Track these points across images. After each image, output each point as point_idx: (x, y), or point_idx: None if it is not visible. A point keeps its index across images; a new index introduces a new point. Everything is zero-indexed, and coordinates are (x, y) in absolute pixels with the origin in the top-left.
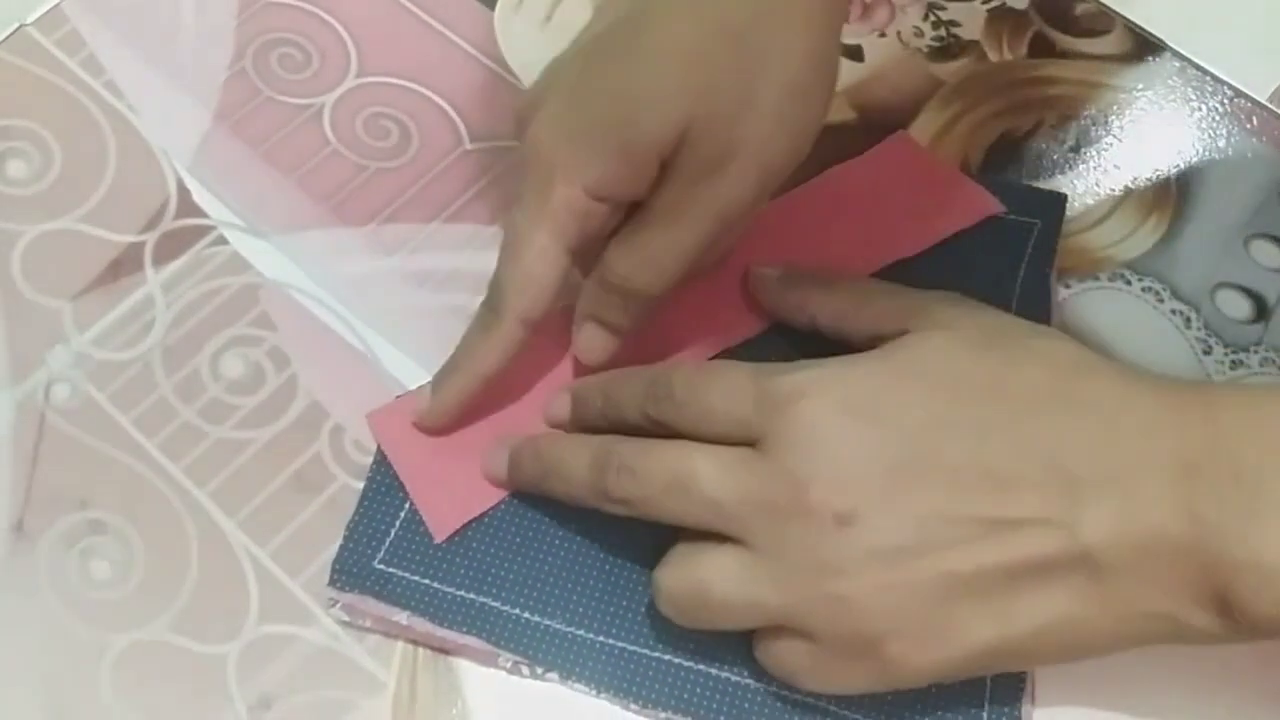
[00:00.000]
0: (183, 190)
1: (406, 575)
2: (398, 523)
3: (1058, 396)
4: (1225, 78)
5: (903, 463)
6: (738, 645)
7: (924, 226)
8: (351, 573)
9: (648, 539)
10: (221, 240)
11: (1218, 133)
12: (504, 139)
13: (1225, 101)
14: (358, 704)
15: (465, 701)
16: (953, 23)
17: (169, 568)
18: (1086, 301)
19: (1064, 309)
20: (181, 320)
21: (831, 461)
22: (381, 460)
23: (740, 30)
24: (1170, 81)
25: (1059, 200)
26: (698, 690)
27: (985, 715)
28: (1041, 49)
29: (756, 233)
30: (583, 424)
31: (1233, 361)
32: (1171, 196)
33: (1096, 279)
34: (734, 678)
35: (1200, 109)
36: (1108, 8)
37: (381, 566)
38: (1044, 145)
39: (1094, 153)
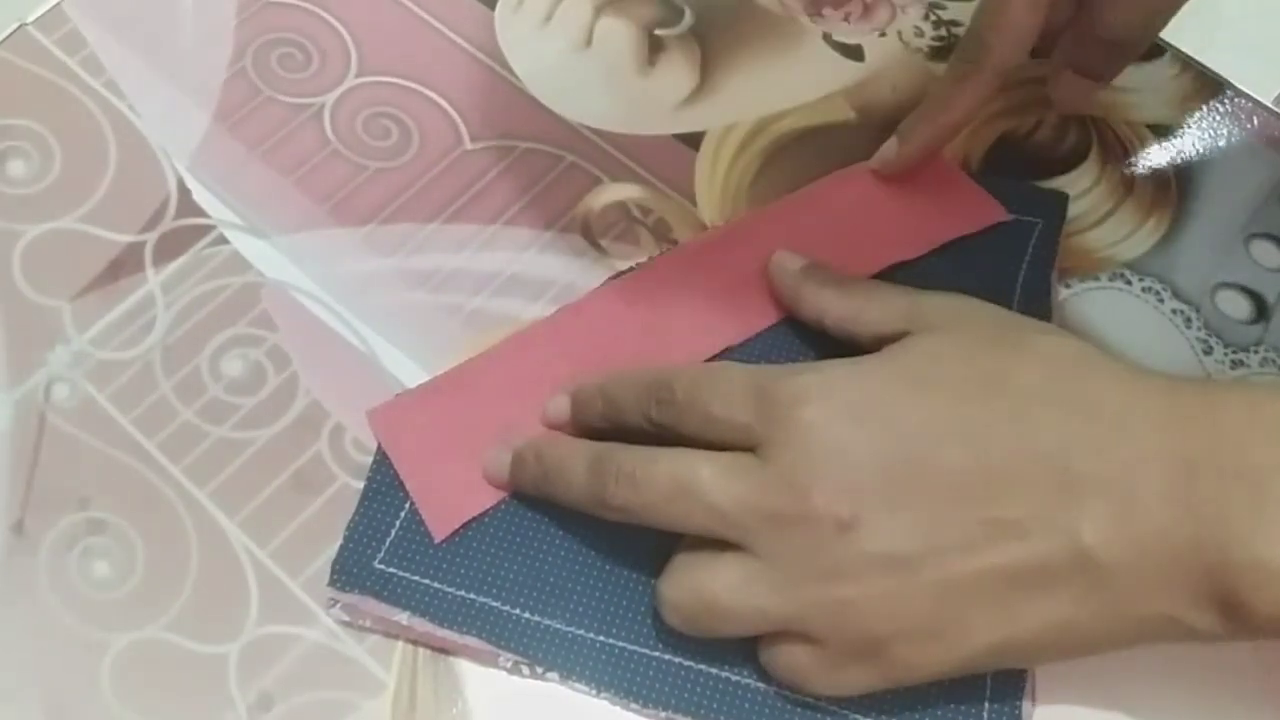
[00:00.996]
0: (183, 190)
1: (407, 575)
2: (398, 523)
3: (1058, 396)
4: (1225, 78)
5: (903, 467)
6: (738, 645)
7: (927, 230)
8: (351, 573)
9: (648, 539)
10: (222, 240)
11: (1218, 133)
12: (504, 138)
13: (1225, 101)
14: (358, 704)
15: (465, 701)
16: (953, 23)
17: (169, 568)
18: (1086, 301)
19: (1064, 309)
20: (181, 320)
21: (833, 467)
22: (381, 459)
23: None
24: (1170, 81)
25: (1060, 199)
26: (698, 690)
27: (985, 714)
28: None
29: (761, 232)
30: (583, 426)
31: (1233, 361)
32: (1172, 197)
33: (1096, 279)
34: (734, 677)
35: (1200, 109)
36: None
37: (381, 567)
38: (1044, 145)
39: (1094, 153)
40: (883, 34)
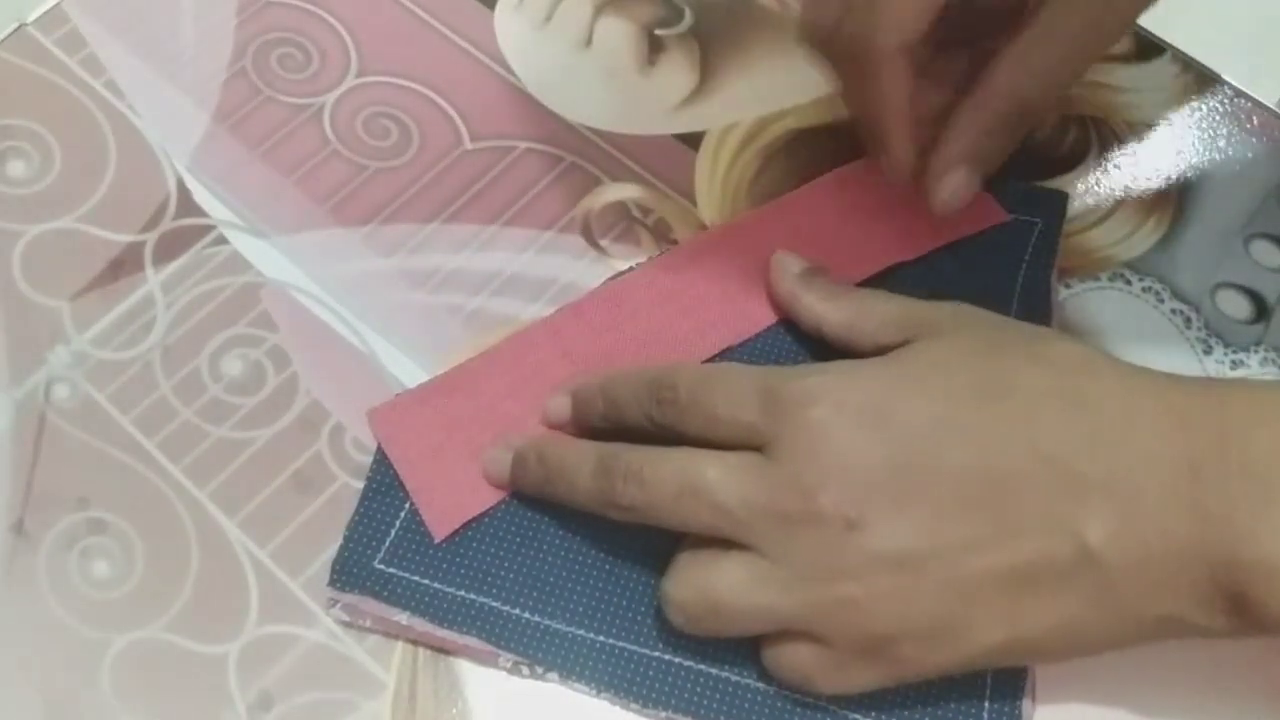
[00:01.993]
0: (183, 190)
1: (406, 575)
2: (398, 523)
3: (1062, 397)
4: (1225, 78)
5: (910, 467)
6: (738, 645)
7: (927, 230)
8: (351, 573)
9: (647, 539)
10: (221, 240)
11: (1218, 133)
12: (504, 138)
13: (1225, 101)
14: (358, 704)
15: (465, 701)
16: None
17: (169, 568)
18: (1086, 301)
19: (1064, 309)
20: (181, 320)
21: (839, 468)
22: (381, 459)
23: None
24: (1170, 81)
25: (1060, 199)
26: (698, 690)
27: (985, 714)
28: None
29: (760, 231)
30: (583, 426)
31: (1233, 361)
32: (1171, 196)
33: (1096, 279)
34: (734, 677)
35: (1200, 109)
36: None
37: (381, 567)
38: (1044, 145)
39: (1094, 153)
40: None
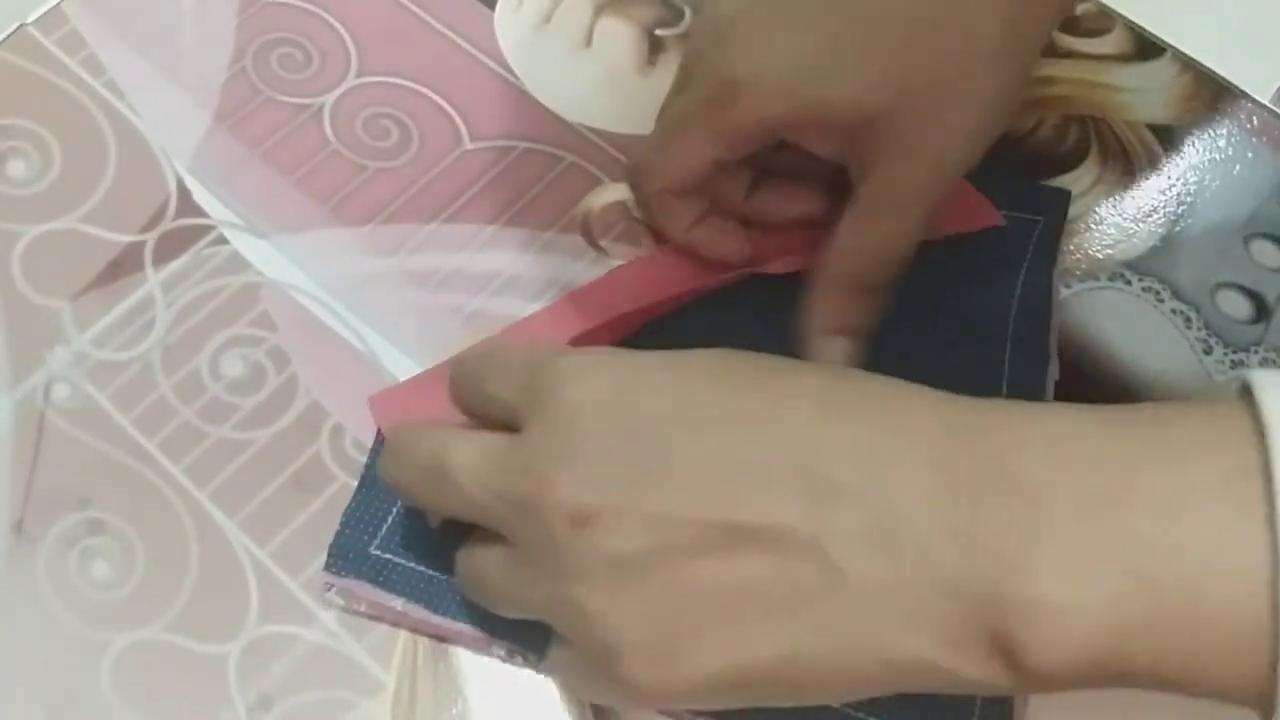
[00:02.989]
0: (183, 190)
1: (402, 562)
2: (394, 509)
3: (823, 397)
4: (1225, 78)
5: (649, 456)
6: None
7: None
8: (348, 558)
9: None
10: (221, 240)
11: (1218, 133)
12: (504, 138)
13: (1225, 101)
14: (358, 704)
15: (465, 701)
16: None
17: (169, 568)
18: (1086, 301)
19: (1064, 309)
20: (181, 320)
21: (580, 454)
22: (380, 446)
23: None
24: (1170, 81)
25: (1062, 197)
26: None
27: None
28: (1042, 49)
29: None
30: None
31: (1233, 361)
32: (1171, 196)
33: (1096, 279)
34: None
35: (1200, 109)
36: (1108, 8)
37: (377, 553)
38: (1044, 145)
39: (1094, 153)
40: None
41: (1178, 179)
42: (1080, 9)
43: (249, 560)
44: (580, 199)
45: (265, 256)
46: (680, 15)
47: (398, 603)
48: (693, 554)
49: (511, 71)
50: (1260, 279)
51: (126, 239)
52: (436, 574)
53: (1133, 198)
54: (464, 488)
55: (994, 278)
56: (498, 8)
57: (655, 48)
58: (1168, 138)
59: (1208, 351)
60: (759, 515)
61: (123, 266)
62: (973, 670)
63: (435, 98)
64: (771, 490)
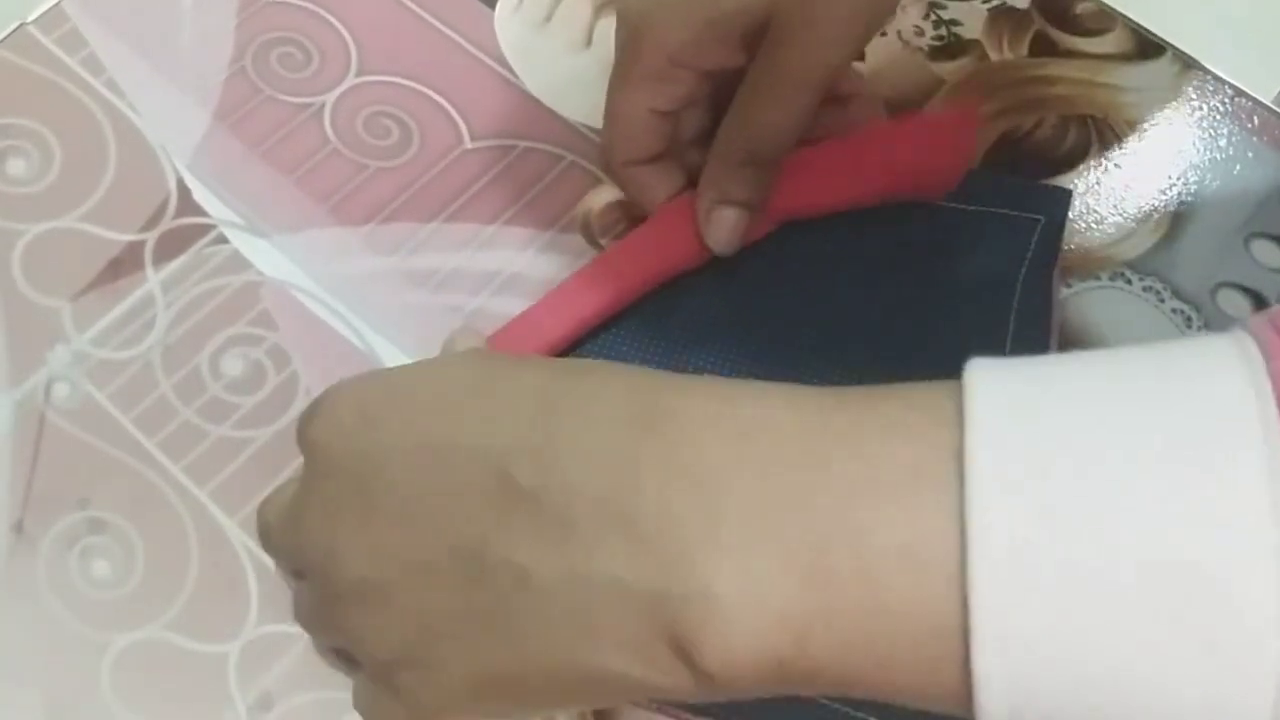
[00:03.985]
0: (183, 189)
1: None
2: None
3: (538, 397)
4: (1226, 78)
5: (371, 491)
6: None
7: (876, 171)
8: None
9: None
10: (222, 239)
11: (1218, 133)
12: (504, 138)
13: (1225, 101)
14: None
15: None
16: (954, 22)
17: (169, 568)
18: (1086, 301)
19: (1064, 309)
20: (182, 319)
21: (320, 489)
22: None
23: None
24: (1170, 81)
25: (1064, 196)
26: None
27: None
28: (1042, 48)
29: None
30: None
31: None
32: (1172, 196)
33: (1097, 279)
34: None
35: (1200, 109)
36: (1108, 7)
37: None
38: (1044, 145)
39: (1094, 153)
40: (883, 34)
41: (1178, 179)
42: (1081, 8)
43: (249, 560)
44: (580, 199)
45: (265, 256)
46: None
47: None
48: (425, 577)
49: (511, 71)
50: (1260, 279)
51: (126, 238)
52: None
53: (1133, 198)
54: (260, 531)
55: (994, 277)
56: (498, 8)
57: None
58: (1168, 138)
59: None
60: (461, 536)
61: (123, 266)
62: (659, 677)
63: (435, 97)
64: (469, 508)
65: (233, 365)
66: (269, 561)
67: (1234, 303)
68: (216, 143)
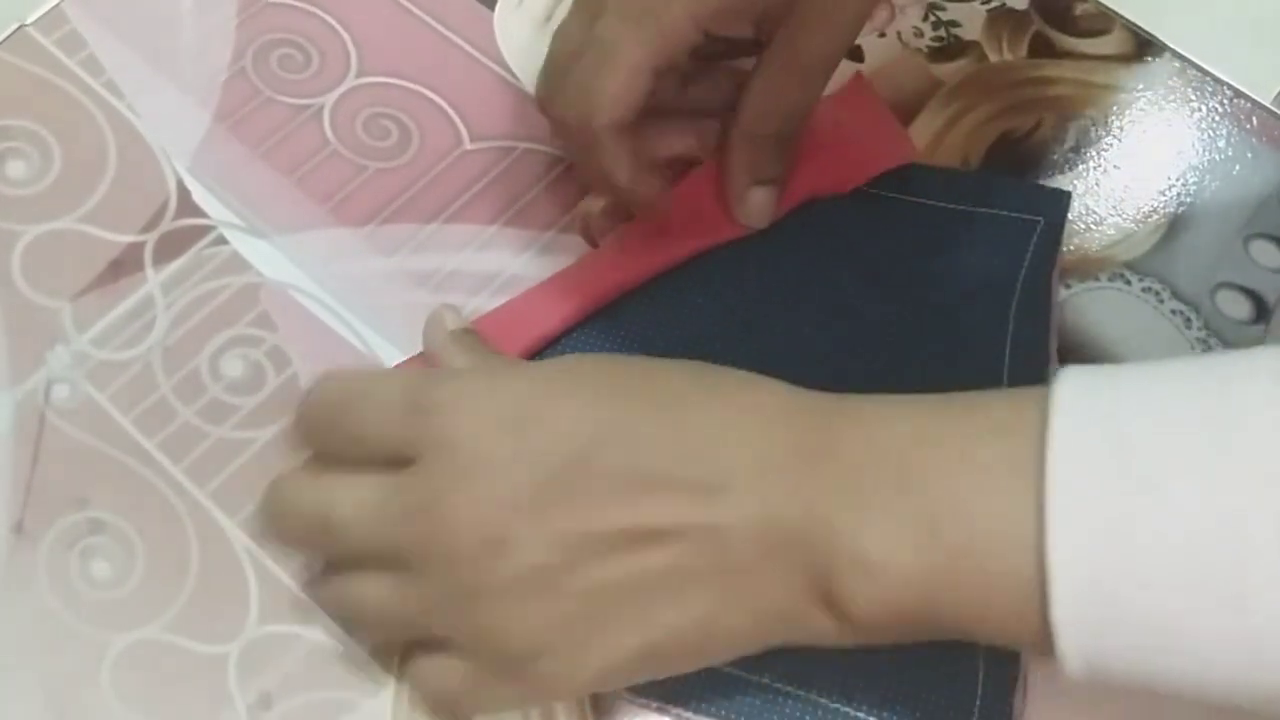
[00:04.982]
0: (183, 190)
1: None
2: None
3: (699, 393)
4: (1225, 78)
5: (553, 474)
6: None
7: (839, 161)
8: None
9: None
10: (221, 240)
11: (1218, 133)
12: (504, 139)
13: (1225, 102)
14: (358, 704)
15: None
16: (953, 23)
17: (169, 568)
18: (1086, 301)
19: (1064, 309)
20: (181, 320)
21: (480, 483)
22: None
23: None
24: (1170, 81)
25: (1063, 198)
26: (690, 683)
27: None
28: (1041, 49)
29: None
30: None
31: None
32: (1171, 196)
33: (1096, 279)
34: (727, 670)
35: (1200, 109)
36: (1107, 8)
37: None
38: (1044, 145)
39: (1094, 153)
40: (882, 34)
41: (1178, 179)
42: (1080, 9)
43: (249, 560)
44: (580, 199)
45: (265, 257)
46: None
47: None
48: (600, 560)
49: (511, 71)
50: (1260, 279)
51: (126, 239)
52: None
53: (1133, 198)
54: (353, 533)
55: (994, 278)
56: (498, 8)
57: None
58: (1168, 138)
59: (1208, 352)
60: (663, 513)
61: (123, 267)
62: (819, 622)
63: (435, 98)
64: (674, 489)
65: (233, 366)
66: (269, 562)
67: (1233, 303)
68: (216, 144)
